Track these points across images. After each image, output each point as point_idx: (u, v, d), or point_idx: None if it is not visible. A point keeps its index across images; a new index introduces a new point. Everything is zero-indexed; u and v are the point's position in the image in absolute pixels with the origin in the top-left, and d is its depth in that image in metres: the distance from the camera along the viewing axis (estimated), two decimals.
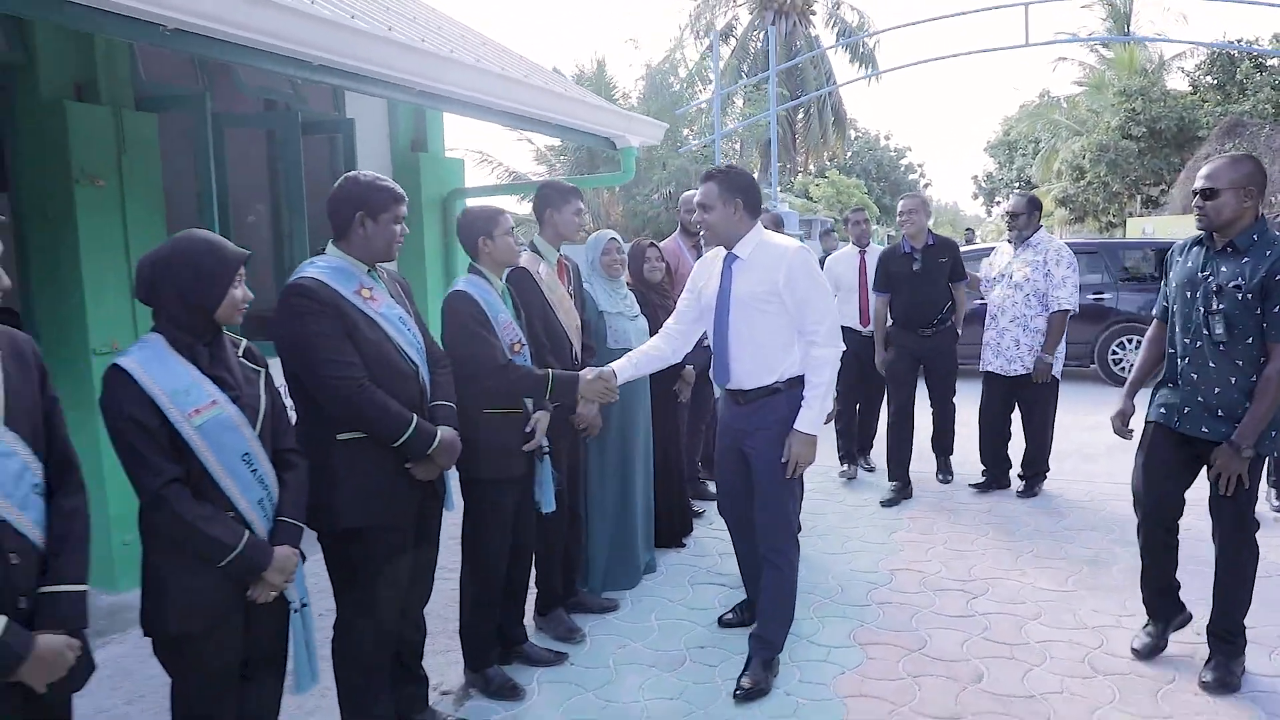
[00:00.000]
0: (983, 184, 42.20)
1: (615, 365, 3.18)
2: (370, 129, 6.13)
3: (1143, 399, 3.28)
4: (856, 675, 3.20)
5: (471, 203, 6.35)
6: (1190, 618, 3.31)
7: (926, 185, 47.92)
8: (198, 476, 1.95)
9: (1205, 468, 3.01)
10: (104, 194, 4.18)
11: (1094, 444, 6.53)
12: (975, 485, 5.50)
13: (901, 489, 5.41)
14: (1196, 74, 21.31)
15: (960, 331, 5.56)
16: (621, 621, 3.72)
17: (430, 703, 2.96)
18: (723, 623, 3.61)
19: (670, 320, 3.37)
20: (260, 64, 3.52)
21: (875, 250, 5.99)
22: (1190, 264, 3.04)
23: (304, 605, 2.20)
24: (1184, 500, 3.15)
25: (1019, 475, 5.52)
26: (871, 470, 6.10)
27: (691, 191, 4.01)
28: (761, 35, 26.54)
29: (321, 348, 2.33)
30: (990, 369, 5.38)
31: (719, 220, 3.05)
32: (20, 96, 4.08)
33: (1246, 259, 2.86)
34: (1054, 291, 5.06)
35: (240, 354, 2.13)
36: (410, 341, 2.55)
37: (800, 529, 4.02)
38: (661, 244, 4.90)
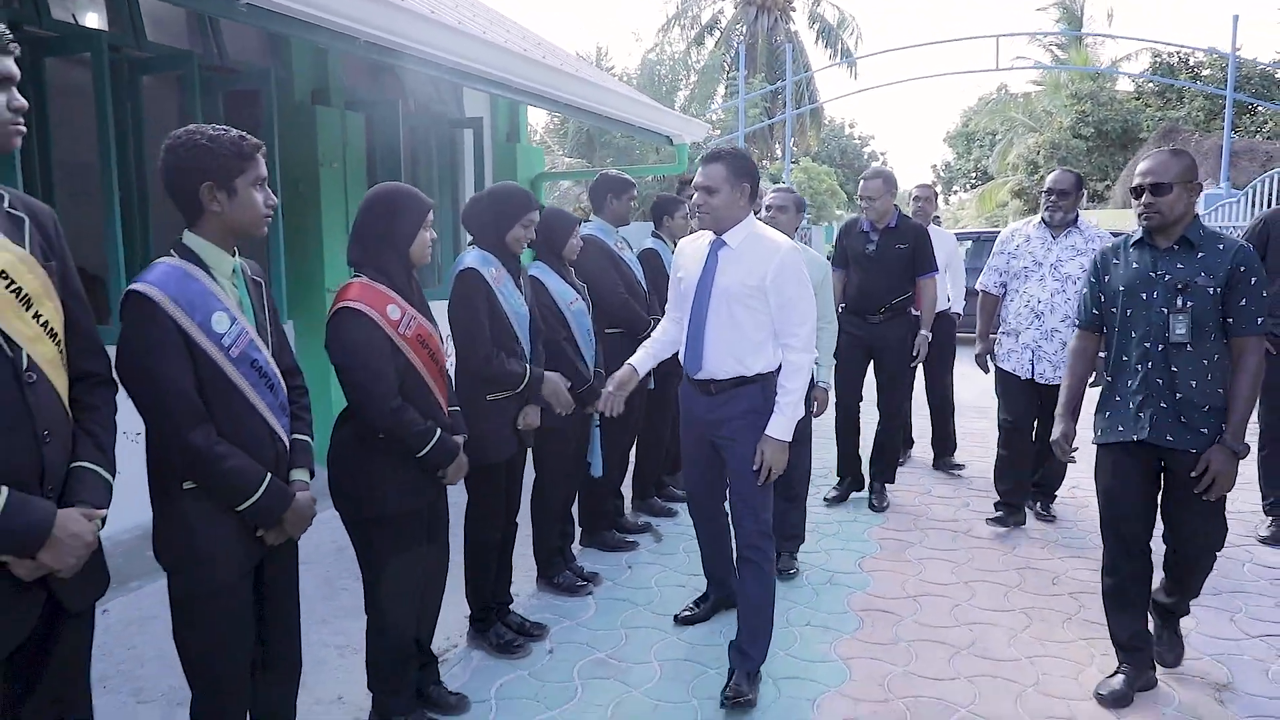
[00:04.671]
0: (941, 173, 44.37)
1: (634, 359, 3.23)
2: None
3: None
4: (864, 596, 4.65)
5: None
6: (1155, 683, 3.04)
7: None
8: (570, 342, 3.54)
9: (1164, 473, 2.90)
10: (335, 174, 5.68)
11: None
12: (993, 520, 4.66)
13: (851, 484, 5.11)
14: (1141, 80, 23.42)
15: (925, 331, 4.97)
16: None
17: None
18: (679, 620, 3.51)
19: (670, 308, 3.33)
20: (428, 70, 4.89)
21: (937, 231, 5.77)
22: (1136, 265, 2.89)
23: (598, 425, 3.81)
24: (1155, 516, 2.99)
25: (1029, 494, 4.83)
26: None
27: (780, 187, 4.37)
28: (744, 29, 28.17)
29: (607, 276, 3.99)
30: (1032, 377, 4.50)
31: (724, 204, 2.90)
32: (280, 101, 5.53)
33: (1202, 254, 2.77)
34: None
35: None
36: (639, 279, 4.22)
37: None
38: None
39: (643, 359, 3.23)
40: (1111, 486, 2.98)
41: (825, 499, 4.96)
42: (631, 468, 4.77)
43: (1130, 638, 3.03)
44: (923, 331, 5.00)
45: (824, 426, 4.99)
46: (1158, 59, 21.89)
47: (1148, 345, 2.83)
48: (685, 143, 8.37)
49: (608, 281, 4.07)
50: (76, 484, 1.63)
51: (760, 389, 2.96)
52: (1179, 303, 2.76)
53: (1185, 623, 3.32)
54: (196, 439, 1.84)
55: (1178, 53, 21.72)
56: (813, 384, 3.93)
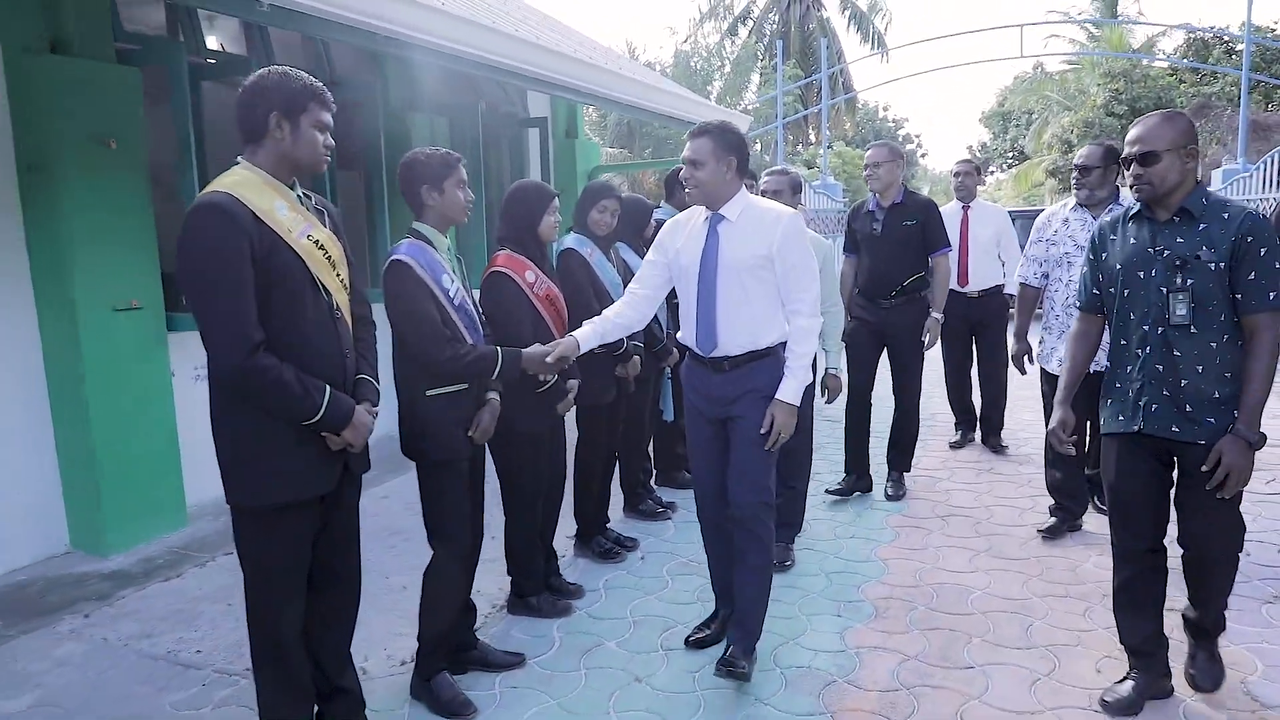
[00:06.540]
0: (977, 153, 44.37)
1: (579, 333, 3.08)
2: None
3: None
4: (899, 517, 5.31)
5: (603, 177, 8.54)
6: (1172, 691, 2.78)
7: (923, 155, 50.18)
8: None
9: (1178, 470, 2.65)
10: None
11: None
12: (1045, 530, 4.27)
13: (857, 480, 4.92)
14: (1175, 55, 23.57)
15: (937, 313, 4.77)
16: None
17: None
18: (689, 643, 3.23)
19: (634, 284, 3.21)
20: (499, 77, 5.69)
21: (982, 205, 5.82)
22: (1134, 240, 2.65)
23: (669, 377, 4.54)
24: (1169, 510, 2.73)
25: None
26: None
27: (775, 170, 4.41)
28: (776, 18, 28.70)
29: None
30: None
31: (710, 178, 2.92)
32: (380, 109, 6.33)
33: (1204, 225, 2.50)
34: None
35: None
36: None
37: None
38: None
39: (587, 335, 3.10)
40: (1116, 479, 2.74)
41: (827, 490, 4.89)
42: None
43: (1141, 642, 2.77)
44: (934, 314, 4.79)
45: (834, 430, 5.53)
46: (1192, 35, 22.06)
47: (1146, 328, 2.60)
48: None
49: None
50: (360, 389, 2.38)
51: (776, 361, 2.98)
52: (1178, 281, 2.51)
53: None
54: (447, 353, 2.66)
55: (1212, 29, 21.86)
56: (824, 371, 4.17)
